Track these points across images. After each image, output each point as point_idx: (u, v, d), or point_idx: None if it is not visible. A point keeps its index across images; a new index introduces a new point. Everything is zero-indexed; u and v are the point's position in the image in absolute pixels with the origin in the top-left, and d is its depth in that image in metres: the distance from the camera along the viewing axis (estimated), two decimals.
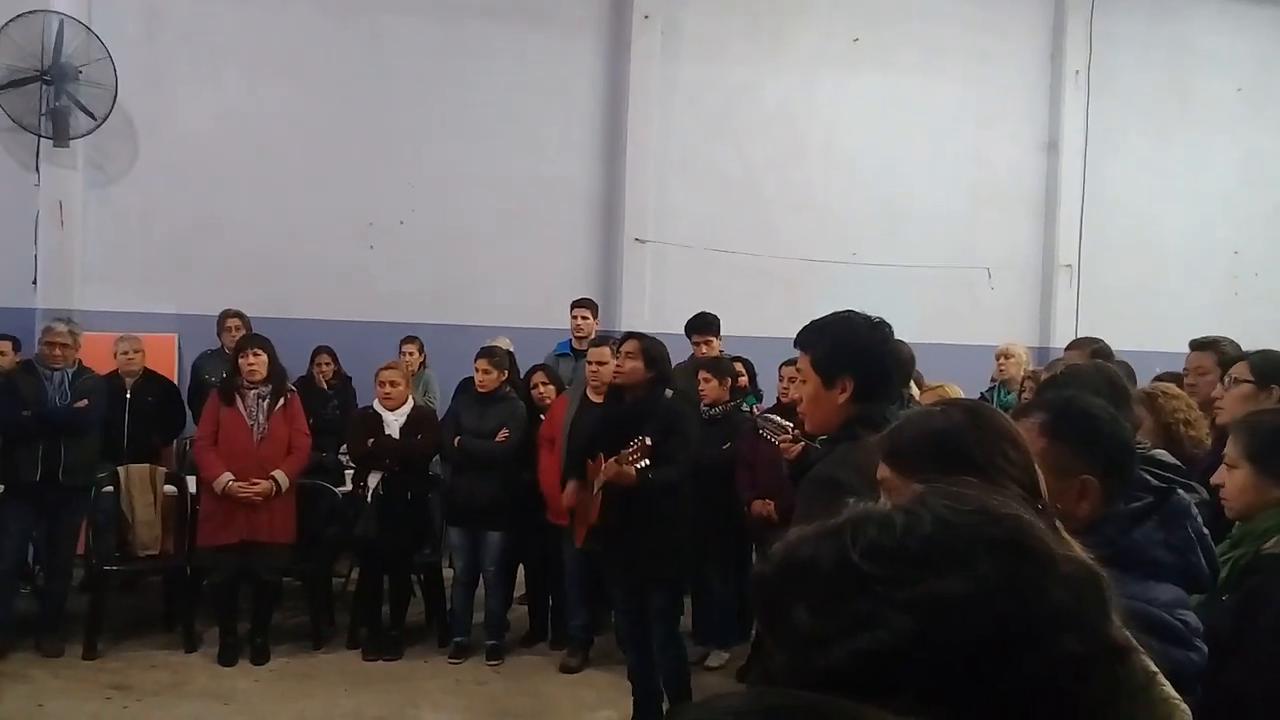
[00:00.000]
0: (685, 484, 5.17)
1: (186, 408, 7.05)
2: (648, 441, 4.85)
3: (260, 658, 5.93)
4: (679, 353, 6.80)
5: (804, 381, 2.70)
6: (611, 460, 4.94)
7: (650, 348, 5.17)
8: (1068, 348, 6.16)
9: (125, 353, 6.67)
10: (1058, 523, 1.59)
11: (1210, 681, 2.09)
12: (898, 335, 4.40)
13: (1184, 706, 1.42)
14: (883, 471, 1.75)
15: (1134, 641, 0.88)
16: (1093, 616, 0.80)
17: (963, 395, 4.88)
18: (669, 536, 5.00)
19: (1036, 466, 1.69)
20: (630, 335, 5.46)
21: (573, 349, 7.25)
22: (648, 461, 4.84)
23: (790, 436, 4.17)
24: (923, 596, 0.76)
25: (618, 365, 5.30)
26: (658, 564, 5.01)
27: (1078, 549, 1.49)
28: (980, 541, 0.80)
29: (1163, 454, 2.61)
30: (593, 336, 6.91)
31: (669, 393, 5.24)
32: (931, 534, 0.81)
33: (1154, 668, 1.45)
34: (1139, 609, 1.73)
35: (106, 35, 7.52)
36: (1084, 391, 2.43)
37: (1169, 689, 1.45)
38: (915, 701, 0.74)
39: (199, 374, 7.28)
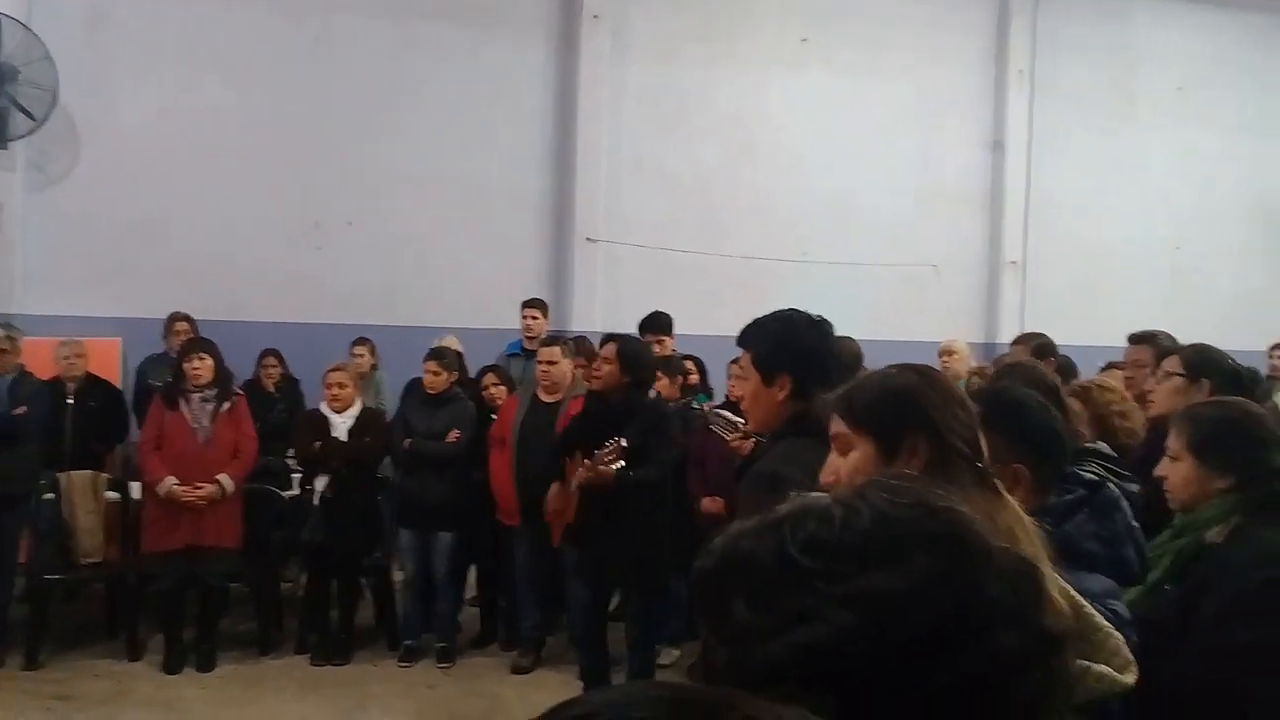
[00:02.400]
0: (666, 484, 5.19)
1: (130, 412, 6.94)
2: (622, 443, 4.85)
3: (206, 665, 5.85)
4: None
5: (745, 379, 2.72)
6: (587, 461, 4.93)
7: (626, 350, 5.18)
8: (1013, 343, 6.24)
9: (67, 357, 6.54)
10: (997, 481, 1.64)
11: (1153, 670, 2.13)
12: (847, 333, 4.48)
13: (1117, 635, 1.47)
14: (836, 426, 1.79)
15: (1070, 630, 0.89)
16: (1028, 609, 0.80)
17: None
18: (649, 538, 5.01)
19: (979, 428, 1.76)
20: (610, 338, 5.45)
21: (523, 349, 7.23)
22: (623, 463, 4.83)
23: (741, 433, 4.19)
24: (860, 591, 0.76)
25: (595, 369, 5.28)
26: (637, 565, 5.02)
27: (1015, 508, 1.54)
28: (918, 535, 0.80)
29: (1103, 446, 2.65)
30: (543, 336, 6.90)
31: (651, 394, 5.25)
32: (870, 528, 0.81)
33: (1115, 632, 1.50)
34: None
35: (47, 35, 7.37)
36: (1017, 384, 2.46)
37: (1127, 652, 1.50)
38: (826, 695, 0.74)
39: (144, 378, 7.17)
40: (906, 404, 1.73)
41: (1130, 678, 1.47)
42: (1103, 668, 1.41)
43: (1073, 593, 1.49)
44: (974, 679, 0.76)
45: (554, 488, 5.43)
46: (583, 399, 5.77)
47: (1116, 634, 1.49)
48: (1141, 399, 3.70)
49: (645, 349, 5.41)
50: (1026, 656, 0.78)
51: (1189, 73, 10.30)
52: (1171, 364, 3.53)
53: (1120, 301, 9.50)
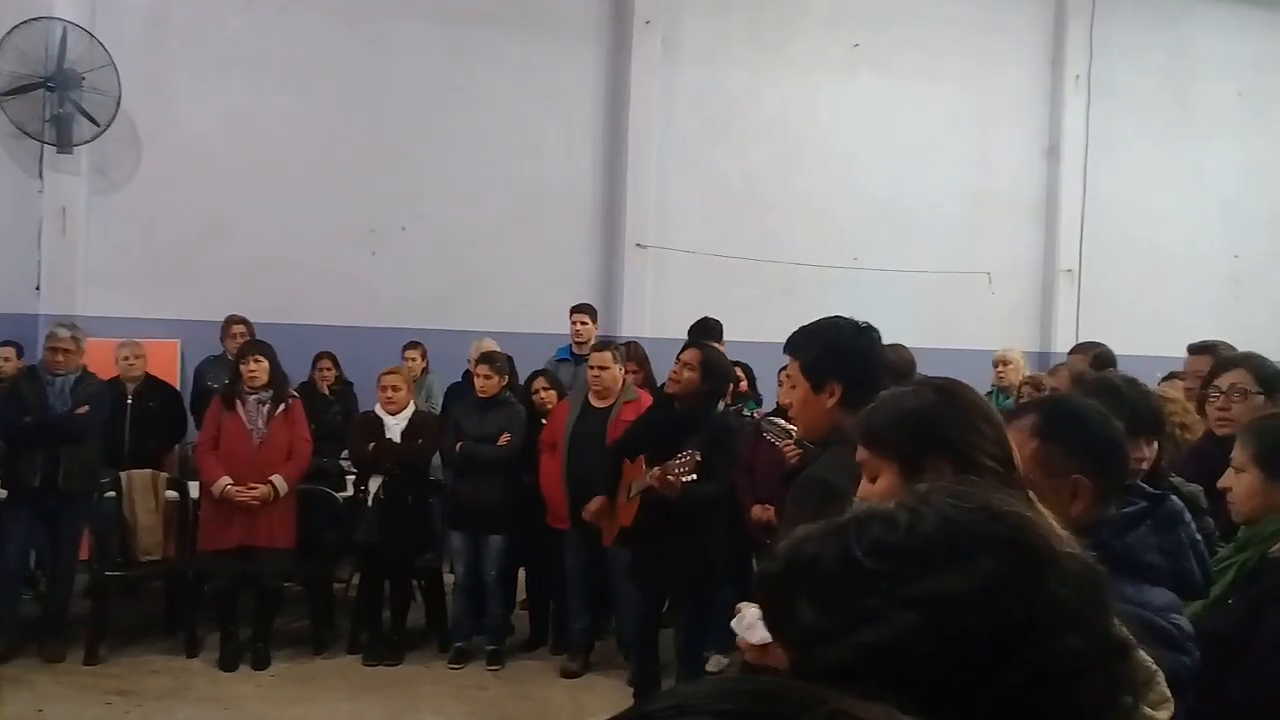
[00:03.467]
0: (724, 499, 5.20)
1: (189, 413, 7.07)
2: (697, 457, 4.79)
3: (261, 663, 5.94)
4: None
5: (794, 386, 2.72)
6: (658, 468, 4.88)
7: (711, 359, 5.15)
8: (1070, 352, 6.17)
9: (126, 358, 6.68)
10: (1031, 494, 1.61)
11: (1216, 684, 2.10)
12: (899, 340, 4.46)
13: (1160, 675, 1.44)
14: (861, 453, 1.77)
15: (1133, 639, 0.89)
16: (1093, 614, 0.81)
17: None
18: (705, 545, 5.02)
19: (1012, 442, 1.72)
20: (690, 344, 5.43)
21: (573, 354, 7.26)
22: (695, 476, 4.78)
23: (794, 440, 4.17)
24: (926, 592, 0.77)
25: (674, 373, 5.25)
26: (690, 576, 5.03)
27: (1056, 525, 1.51)
28: (983, 538, 0.81)
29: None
30: (592, 341, 6.92)
31: (721, 406, 5.24)
32: (935, 531, 0.81)
33: (1154, 666, 1.47)
34: (1132, 612, 1.73)
35: (110, 42, 7.54)
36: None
37: (1164, 688, 1.46)
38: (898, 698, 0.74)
39: (202, 380, 7.29)
40: (925, 425, 1.69)
41: (1164, 714, 1.44)
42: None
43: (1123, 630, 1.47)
44: (1038, 680, 0.76)
45: (596, 502, 5.44)
46: (635, 404, 5.79)
47: (1157, 671, 1.46)
48: (1201, 409, 3.64)
49: (726, 360, 5.38)
50: (1090, 660, 0.78)
51: (1248, 78, 10.13)
52: (1242, 379, 3.39)
53: (1178, 310, 9.35)
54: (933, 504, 0.84)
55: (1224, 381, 3.41)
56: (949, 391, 1.77)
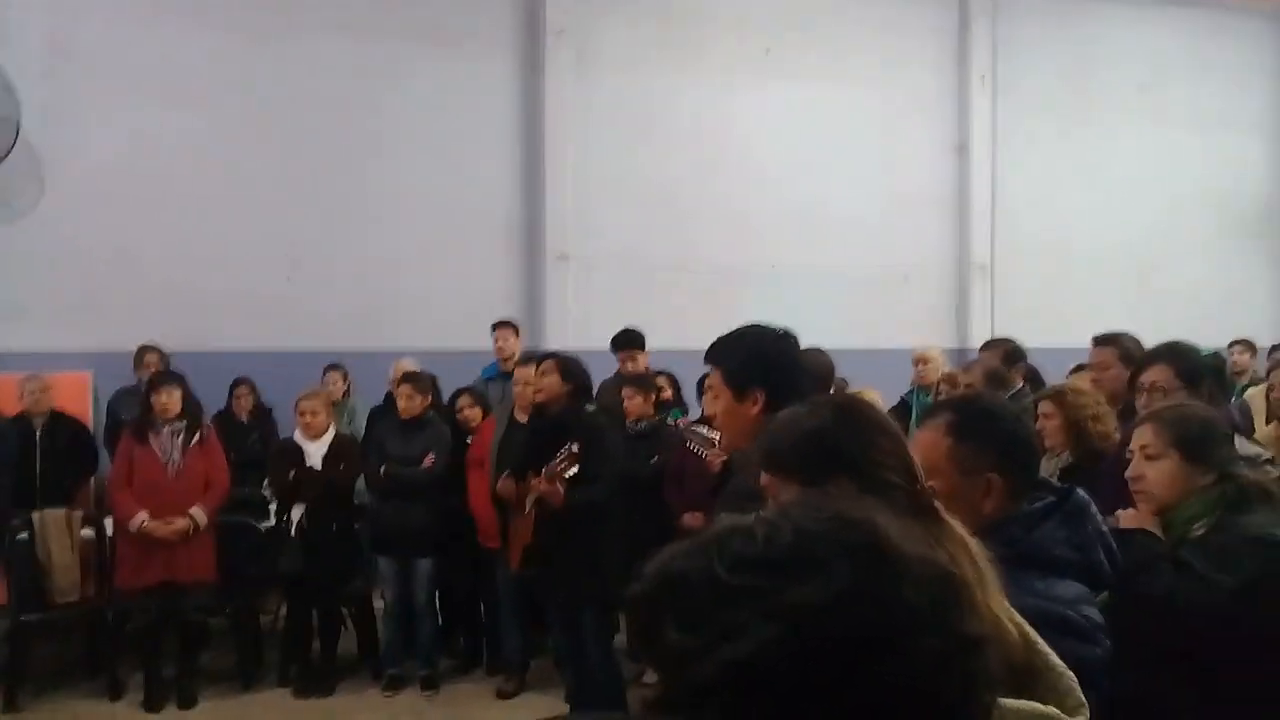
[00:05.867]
0: (613, 499, 5.19)
1: (101, 447, 6.88)
2: (574, 449, 4.89)
3: (187, 701, 5.78)
4: (606, 369, 6.81)
5: (716, 397, 2.72)
6: (542, 473, 4.96)
7: (564, 363, 5.30)
8: (981, 349, 6.29)
9: (31, 392, 6.48)
10: (937, 503, 1.63)
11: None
12: (819, 342, 4.49)
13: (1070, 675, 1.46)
14: (764, 478, 1.76)
15: (991, 634, 0.90)
16: (947, 614, 0.82)
17: (880, 400, 4.95)
18: (595, 553, 5.01)
19: (911, 451, 1.73)
20: (546, 356, 5.56)
21: (500, 372, 7.18)
22: (577, 468, 4.86)
23: (718, 449, 4.20)
24: (784, 604, 0.78)
25: (536, 386, 5.35)
26: (586, 581, 5.01)
27: (958, 530, 1.52)
28: (836, 548, 0.82)
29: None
30: (516, 356, 6.89)
31: (590, 407, 5.27)
32: (791, 542, 0.82)
33: (1070, 677, 1.48)
34: (1043, 606, 1.76)
35: (8, 66, 7.33)
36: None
37: (1059, 666, 1.48)
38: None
39: (115, 412, 7.11)
40: (824, 445, 1.69)
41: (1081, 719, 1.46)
42: (1053, 710, 1.40)
43: (1027, 629, 1.48)
44: (896, 684, 0.78)
45: (507, 479, 5.51)
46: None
47: (1070, 675, 1.47)
48: (1110, 401, 3.72)
49: (579, 362, 5.48)
50: (947, 659, 0.80)
51: (1149, 72, 10.43)
52: (1162, 377, 3.35)
53: (1087, 302, 9.57)
54: (791, 516, 0.86)
55: (1145, 379, 3.42)
56: (846, 409, 1.78)
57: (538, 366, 5.47)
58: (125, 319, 7.66)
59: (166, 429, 5.89)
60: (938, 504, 1.62)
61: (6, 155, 7.36)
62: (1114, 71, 10.35)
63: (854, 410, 1.78)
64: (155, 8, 8.04)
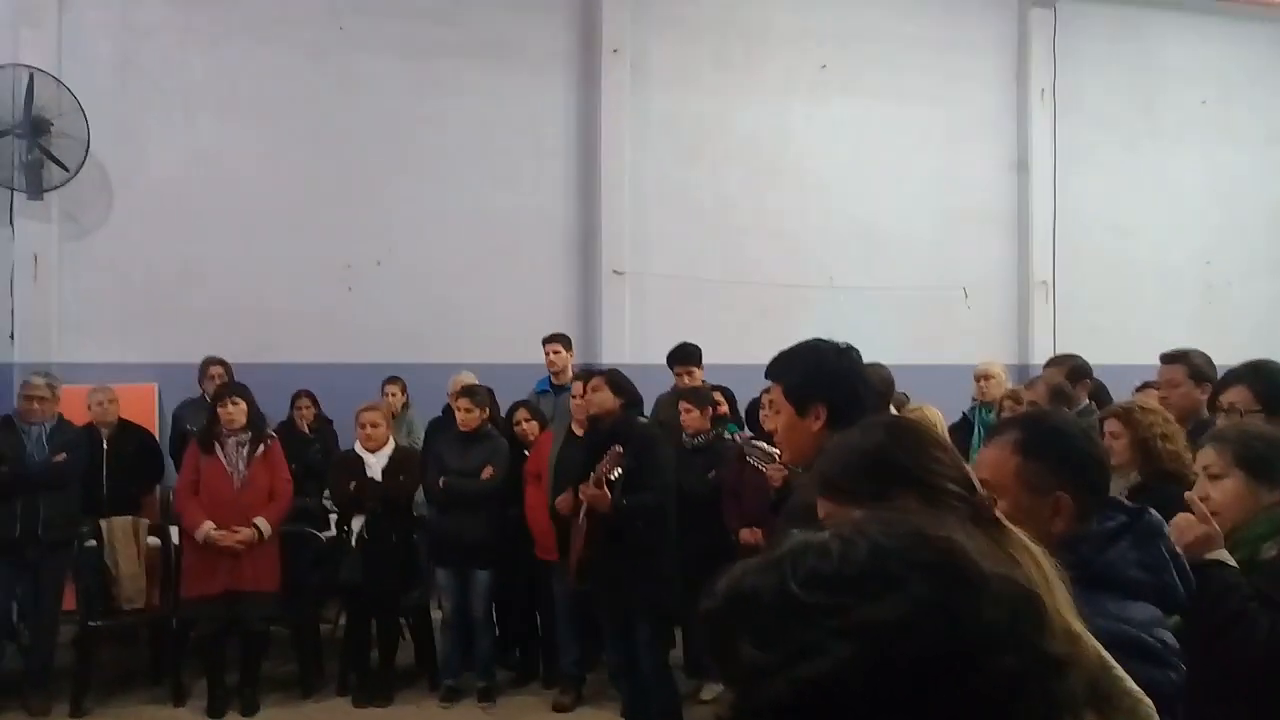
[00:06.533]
0: (668, 510, 5.19)
1: (166, 457, 7.01)
2: (618, 449, 4.90)
3: (249, 708, 5.87)
4: (662, 384, 6.82)
5: (777, 412, 2.71)
6: (588, 481, 4.99)
7: (613, 377, 5.34)
8: (1046, 365, 6.21)
9: (99, 403, 6.62)
10: (998, 513, 1.61)
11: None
12: (877, 358, 4.47)
13: (1147, 702, 1.43)
14: (823, 507, 1.74)
15: (1074, 655, 0.89)
16: (1027, 633, 0.81)
17: (940, 418, 4.91)
18: (651, 564, 5.01)
19: (993, 459, 1.73)
20: (594, 373, 5.62)
21: (552, 385, 7.22)
22: (620, 470, 4.88)
23: (779, 464, 4.18)
24: (859, 622, 0.77)
25: (587, 402, 5.38)
26: (641, 593, 5.01)
27: (1021, 538, 1.50)
28: (913, 565, 0.81)
29: None
30: (566, 370, 6.92)
31: (641, 419, 5.29)
32: (866, 560, 0.81)
33: (1138, 694, 1.46)
34: (1116, 629, 1.74)
35: (77, 87, 7.52)
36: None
37: (1135, 691, 1.45)
38: None
39: (180, 423, 7.24)
40: (882, 463, 1.69)
41: None
42: None
43: (1101, 651, 1.46)
44: (974, 704, 0.76)
45: (567, 495, 5.50)
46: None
47: (1148, 702, 1.44)
48: (1180, 419, 3.66)
49: (625, 376, 5.52)
50: (1026, 679, 0.78)
51: (1213, 86, 10.26)
52: (1242, 398, 3.34)
53: (1151, 319, 9.43)
54: (866, 532, 0.84)
55: (1224, 400, 3.39)
56: (898, 427, 1.79)
57: (586, 383, 5.49)
58: (189, 332, 7.81)
59: (232, 440, 5.99)
60: (999, 513, 1.60)
61: (76, 173, 7.54)
62: (1177, 86, 10.21)
63: (906, 427, 1.80)
64: (219, 27, 8.21)
